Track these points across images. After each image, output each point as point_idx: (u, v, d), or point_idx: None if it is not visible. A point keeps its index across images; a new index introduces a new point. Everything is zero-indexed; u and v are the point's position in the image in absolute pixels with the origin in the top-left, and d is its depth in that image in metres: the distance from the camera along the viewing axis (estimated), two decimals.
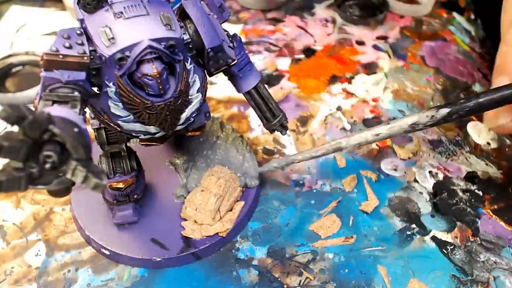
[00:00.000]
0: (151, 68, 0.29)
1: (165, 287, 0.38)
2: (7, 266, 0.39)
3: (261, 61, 0.59)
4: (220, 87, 0.55)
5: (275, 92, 0.55)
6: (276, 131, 0.40)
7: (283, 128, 0.40)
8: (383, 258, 0.40)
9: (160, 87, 0.30)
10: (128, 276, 0.38)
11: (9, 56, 0.57)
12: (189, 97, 0.33)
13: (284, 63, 0.59)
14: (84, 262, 0.39)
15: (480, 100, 0.33)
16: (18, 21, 0.65)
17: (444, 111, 0.34)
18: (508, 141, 0.51)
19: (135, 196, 0.39)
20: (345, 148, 0.38)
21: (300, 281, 0.38)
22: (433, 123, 0.35)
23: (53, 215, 0.42)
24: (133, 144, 0.39)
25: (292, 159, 0.40)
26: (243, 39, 0.62)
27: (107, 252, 0.39)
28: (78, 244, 0.40)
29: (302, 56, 0.60)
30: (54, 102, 0.27)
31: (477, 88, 0.57)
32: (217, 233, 0.39)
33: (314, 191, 0.45)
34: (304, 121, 0.52)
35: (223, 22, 0.35)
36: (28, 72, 0.57)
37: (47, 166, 0.22)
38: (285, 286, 0.38)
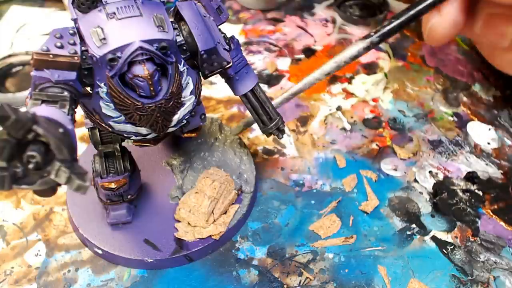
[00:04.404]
0: (142, 70, 0.29)
1: (165, 287, 0.38)
2: (7, 266, 0.39)
3: (261, 61, 0.59)
4: (220, 87, 0.55)
5: (275, 92, 0.55)
6: (272, 135, 0.40)
7: (280, 131, 0.40)
8: (383, 258, 0.40)
9: (151, 88, 0.30)
10: (128, 276, 0.38)
11: (9, 56, 0.57)
12: (182, 99, 0.33)
13: (284, 63, 0.59)
14: (84, 262, 0.39)
15: (400, 21, 0.40)
16: (18, 21, 0.65)
17: (375, 37, 0.40)
18: (508, 141, 0.51)
19: (129, 196, 0.39)
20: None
21: (300, 281, 0.38)
22: (369, 50, 0.41)
23: (53, 215, 0.42)
24: (129, 143, 0.39)
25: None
26: (243, 39, 0.62)
27: (100, 252, 0.39)
28: (78, 244, 0.40)
29: (302, 56, 0.60)
30: (43, 101, 0.27)
31: (476, 87, 0.57)
32: (210, 236, 0.39)
33: (314, 191, 0.45)
34: (304, 121, 0.52)
35: (220, 24, 0.35)
36: (28, 72, 0.57)
37: (31, 166, 0.22)
38: (285, 286, 0.38)
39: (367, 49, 0.40)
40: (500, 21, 0.39)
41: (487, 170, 0.47)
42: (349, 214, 0.43)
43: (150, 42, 0.29)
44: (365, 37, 0.40)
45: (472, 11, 0.41)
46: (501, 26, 0.39)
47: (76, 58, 0.28)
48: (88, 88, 0.31)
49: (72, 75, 0.28)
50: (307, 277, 0.38)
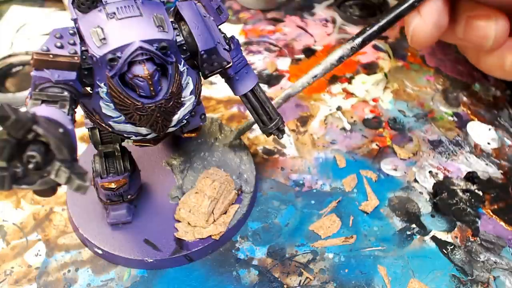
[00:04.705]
0: (142, 70, 0.29)
1: (165, 287, 0.38)
2: (7, 266, 0.39)
3: (261, 61, 0.59)
4: (220, 87, 0.55)
5: (275, 92, 0.55)
6: (272, 135, 0.40)
7: (280, 131, 0.40)
8: (383, 258, 0.40)
9: (151, 88, 0.30)
10: (128, 276, 0.38)
11: (9, 56, 0.57)
12: (182, 99, 0.33)
13: (284, 63, 0.59)
14: (84, 262, 0.39)
15: (381, 24, 0.41)
16: (18, 21, 0.65)
17: (358, 40, 0.41)
18: (508, 141, 0.51)
19: (129, 196, 0.39)
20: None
21: (300, 281, 0.38)
22: (354, 52, 0.42)
23: (53, 215, 0.42)
24: (129, 143, 0.39)
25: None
26: (243, 39, 0.62)
27: (100, 252, 0.39)
28: (78, 244, 0.40)
29: (302, 56, 0.60)
30: (43, 101, 0.27)
31: (477, 88, 0.57)
32: (210, 236, 0.39)
33: (314, 191, 0.45)
34: (304, 121, 0.52)
35: (220, 24, 0.35)
36: (28, 72, 0.57)
37: (31, 166, 0.22)
38: (285, 286, 0.38)
39: (351, 50, 0.41)
40: (481, 22, 0.39)
41: (487, 170, 0.47)
42: (349, 214, 0.43)
43: (150, 42, 0.29)
44: (349, 40, 0.41)
45: (453, 16, 0.41)
46: (482, 28, 0.39)
47: (76, 58, 0.28)
48: (88, 88, 0.31)
49: (72, 75, 0.28)
50: (307, 277, 0.38)
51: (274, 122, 0.39)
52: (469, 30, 0.40)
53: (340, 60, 0.42)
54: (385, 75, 0.58)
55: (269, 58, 0.60)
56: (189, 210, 0.40)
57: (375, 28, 0.41)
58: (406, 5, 0.40)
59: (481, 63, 0.45)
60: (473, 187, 0.46)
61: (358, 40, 0.41)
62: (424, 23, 0.40)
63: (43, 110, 0.25)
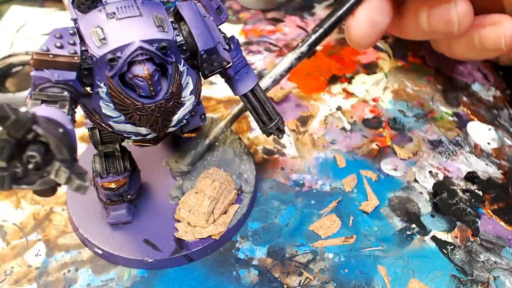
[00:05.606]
0: (142, 70, 0.29)
1: (165, 287, 0.38)
2: (7, 266, 0.39)
3: (261, 61, 0.59)
4: (220, 87, 0.55)
5: (275, 92, 0.55)
6: (272, 135, 0.40)
7: (280, 131, 0.40)
8: (383, 258, 0.40)
9: (151, 88, 0.30)
10: (128, 276, 0.38)
11: (9, 56, 0.57)
12: (182, 99, 0.33)
13: None
14: (84, 262, 0.39)
15: (324, 29, 0.41)
16: (18, 21, 0.65)
17: (304, 47, 0.42)
18: (508, 141, 0.51)
19: (129, 196, 0.39)
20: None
21: (300, 281, 0.38)
22: (301, 60, 0.42)
23: (53, 215, 0.42)
24: (129, 143, 0.39)
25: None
26: (243, 39, 0.62)
27: (100, 252, 0.39)
28: (78, 244, 0.40)
29: None
30: (43, 101, 0.27)
31: (476, 87, 0.57)
32: (210, 236, 0.39)
33: (314, 191, 0.45)
34: (304, 121, 0.52)
35: (220, 24, 0.35)
36: (28, 72, 0.57)
37: (30, 166, 0.22)
38: (285, 286, 0.38)
39: (298, 59, 0.42)
40: (440, 9, 0.39)
41: (487, 170, 0.47)
42: (349, 214, 0.43)
43: (150, 42, 0.29)
44: (295, 48, 0.42)
45: (414, 12, 0.40)
46: (443, 14, 0.39)
47: (76, 58, 0.28)
48: (88, 88, 0.31)
49: (72, 75, 0.28)
50: (307, 277, 0.38)
51: (274, 122, 0.39)
52: (432, 20, 0.40)
53: (289, 69, 0.42)
54: (385, 75, 0.58)
55: (269, 58, 0.60)
56: (189, 210, 0.40)
57: (318, 33, 0.41)
58: (345, 7, 0.40)
59: (454, 50, 0.45)
60: (473, 187, 0.46)
61: (304, 47, 0.41)
62: (358, 23, 0.40)
63: (43, 110, 0.25)
